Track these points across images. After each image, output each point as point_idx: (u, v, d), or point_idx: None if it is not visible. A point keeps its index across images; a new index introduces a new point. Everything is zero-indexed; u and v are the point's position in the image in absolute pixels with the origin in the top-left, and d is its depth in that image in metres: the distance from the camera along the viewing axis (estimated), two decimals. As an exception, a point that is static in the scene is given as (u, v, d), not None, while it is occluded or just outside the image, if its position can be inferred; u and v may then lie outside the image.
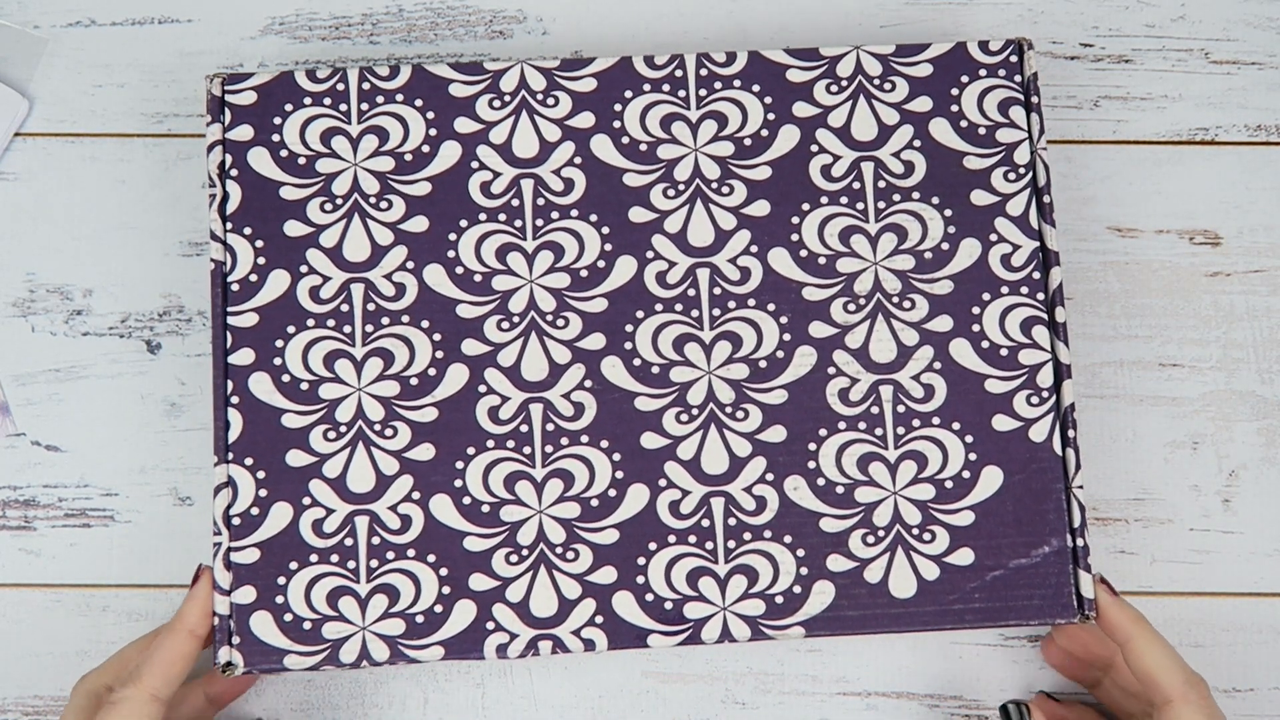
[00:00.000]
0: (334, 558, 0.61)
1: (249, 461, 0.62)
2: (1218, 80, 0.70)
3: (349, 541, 0.61)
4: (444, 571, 0.61)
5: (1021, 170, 0.64)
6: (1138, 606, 0.66)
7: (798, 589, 0.61)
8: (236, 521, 0.61)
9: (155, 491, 0.66)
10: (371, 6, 0.70)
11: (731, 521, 0.62)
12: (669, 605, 0.61)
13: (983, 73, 0.65)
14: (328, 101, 0.65)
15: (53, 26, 0.70)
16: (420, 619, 0.61)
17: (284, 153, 0.64)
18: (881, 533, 0.62)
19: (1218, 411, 0.68)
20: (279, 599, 0.61)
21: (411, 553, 0.61)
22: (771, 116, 0.65)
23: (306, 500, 0.61)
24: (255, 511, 0.61)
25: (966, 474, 0.62)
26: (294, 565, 0.61)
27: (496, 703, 0.66)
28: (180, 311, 0.68)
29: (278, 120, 0.64)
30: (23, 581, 0.66)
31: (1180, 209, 0.69)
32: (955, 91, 0.65)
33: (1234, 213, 0.69)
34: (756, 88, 0.65)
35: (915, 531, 0.62)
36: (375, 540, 0.61)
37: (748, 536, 0.62)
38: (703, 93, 0.65)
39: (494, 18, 0.70)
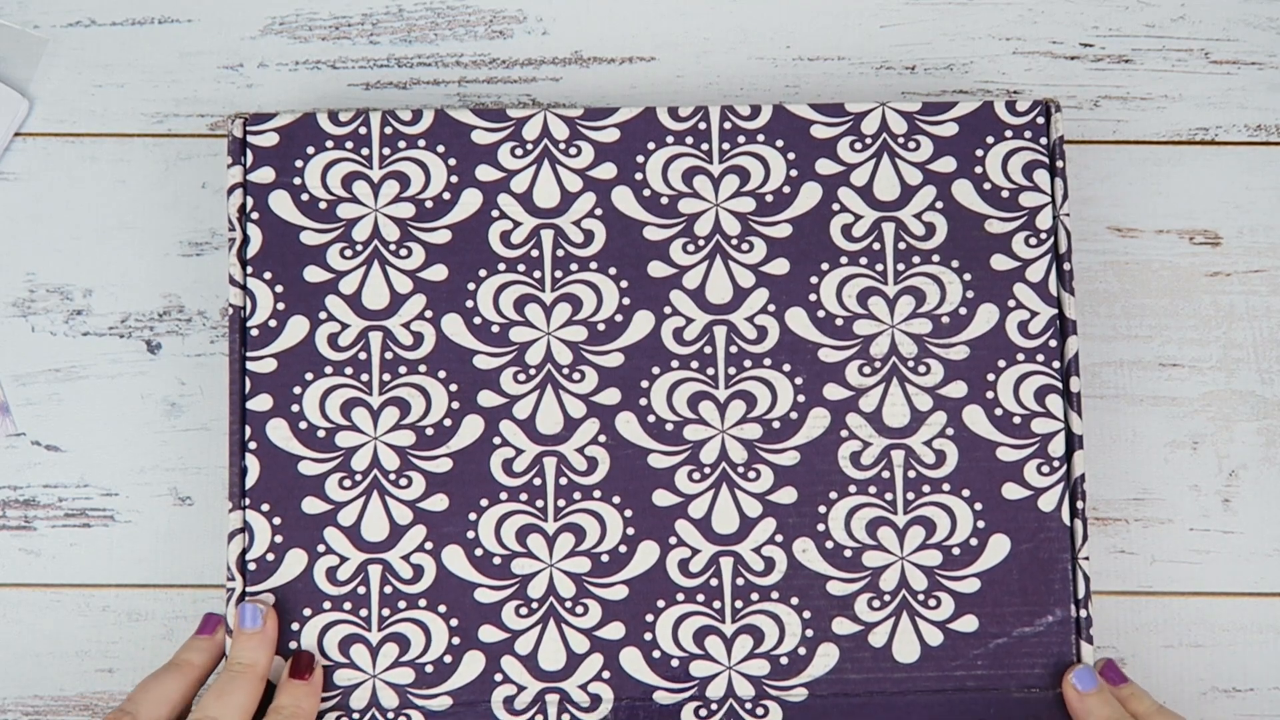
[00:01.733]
0: (346, 605, 0.61)
1: (265, 507, 0.62)
2: (1218, 80, 0.70)
3: (361, 590, 0.62)
4: (454, 622, 0.61)
5: (1043, 236, 0.64)
6: (1138, 606, 0.66)
7: (803, 650, 0.62)
8: (252, 567, 0.61)
9: (155, 491, 0.66)
10: (371, 6, 0.70)
11: (740, 581, 0.62)
12: (675, 663, 0.61)
13: (1009, 134, 0.65)
14: (349, 145, 0.64)
15: (53, 26, 0.70)
16: (430, 669, 0.61)
17: (305, 196, 0.64)
18: (887, 597, 0.62)
19: (1218, 411, 0.68)
20: (292, 645, 0.61)
21: (423, 602, 0.62)
22: (794, 173, 0.64)
23: (321, 548, 0.62)
24: (270, 557, 0.62)
25: (974, 541, 0.62)
26: (307, 612, 0.61)
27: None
28: (180, 311, 0.68)
29: (299, 163, 0.64)
30: (23, 581, 0.66)
31: (1180, 209, 0.69)
32: (980, 153, 0.64)
33: (1234, 213, 0.69)
34: (780, 143, 0.64)
35: (921, 597, 0.62)
36: (387, 589, 0.62)
37: (755, 597, 0.62)
38: (725, 146, 0.64)
39: (494, 18, 0.70)
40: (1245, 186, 0.69)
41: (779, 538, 0.62)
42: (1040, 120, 0.65)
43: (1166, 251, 0.69)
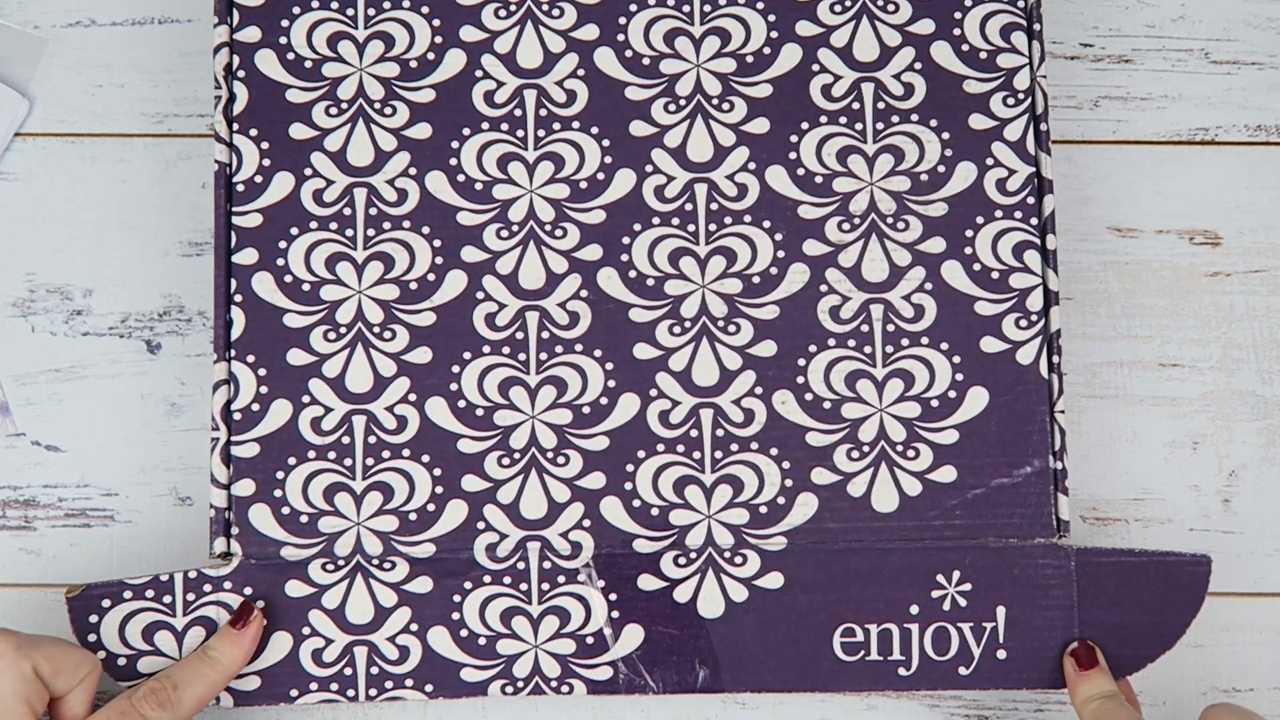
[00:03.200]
0: (331, 455, 0.62)
1: (250, 359, 0.63)
2: (1218, 80, 0.70)
3: (346, 440, 0.62)
4: (437, 472, 0.62)
5: (1021, 96, 0.65)
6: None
7: (782, 500, 0.63)
8: (237, 417, 0.62)
9: (155, 491, 0.66)
10: (371, 6, 0.70)
11: (719, 432, 0.63)
12: (655, 511, 0.62)
13: None
14: (335, 5, 0.65)
15: (53, 26, 0.70)
16: (413, 516, 0.62)
17: (290, 55, 0.65)
18: (866, 448, 0.63)
19: (1218, 411, 0.68)
20: (277, 493, 0.62)
21: (406, 453, 0.62)
22: (774, 34, 0.65)
23: (306, 398, 0.63)
24: (256, 408, 0.62)
25: (953, 394, 0.63)
26: (292, 461, 0.62)
27: (497, 709, 0.66)
28: (180, 311, 0.68)
29: (285, 23, 0.65)
30: (23, 581, 0.66)
31: (1180, 209, 0.69)
32: (958, 15, 0.66)
33: (1234, 213, 0.69)
34: (760, 5, 0.66)
35: (899, 448, 0.63)
36: (371, 439, 0.62)
37: (735, 448, 0.63)
38: (707, 8, 0.65)
39: (494, 18, 0.70)
40: (1245, 186, 0.69)
41: (758, 390, 0.63)
42: None
43: (1166, 251, 0.69)
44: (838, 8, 0.66)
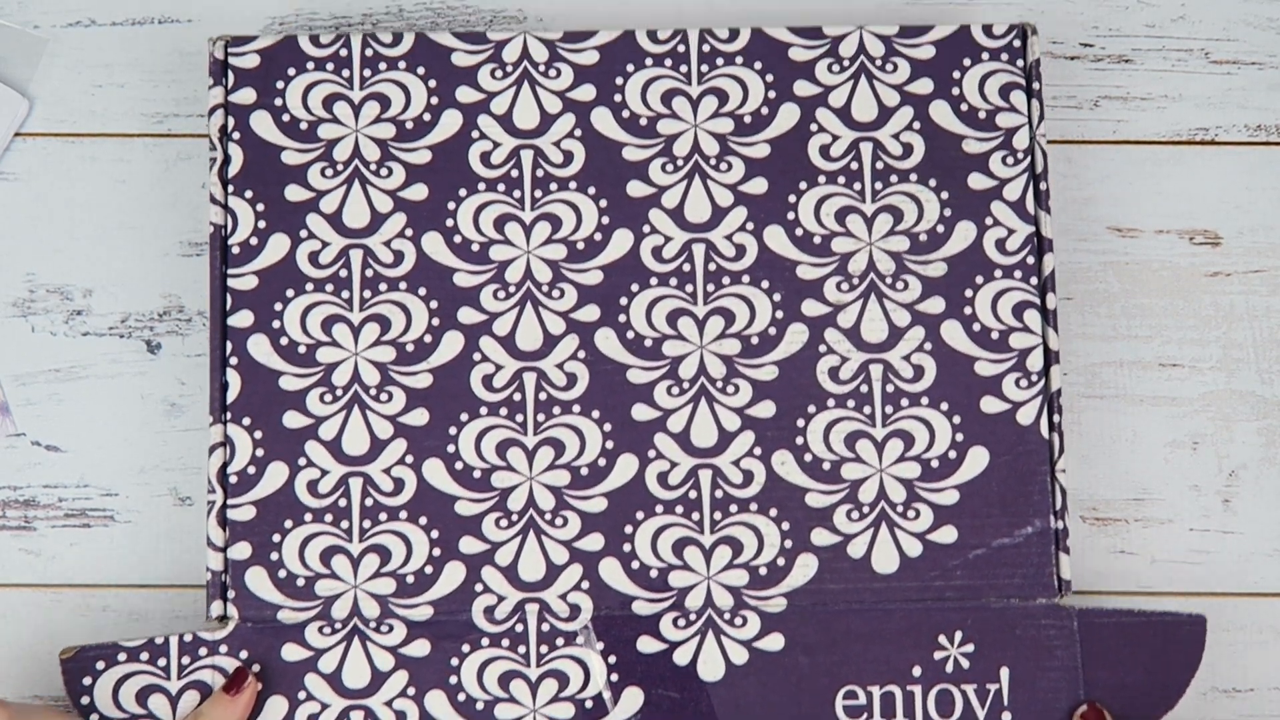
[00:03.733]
0: (328, 517, 0.62)
1: (246, 421, 0.62)
2: (1218, 80, 0.70)
3: (343, 502, 0.62)
4: (435, 534, 0.62)
5: (1020, 155, 0.65)
6: (1138, 606, 0.66)
7: (781, 561, 0.62)
8: (233, 480, 0.62)
9: (155, 491, 0.66)
10: (371, 6, 0.70)
11: (718, 493, 0.62)
12: (654, 573, 0.62)
13: (985, 56, 0.66)
14: (330, 67, 0.65)
15: (53, 26, 0.70)
16: (410, 579, 0.62)
17: (286, 117, 0.65)
18: (866, 509, 0.62)
19: (1218, 411, 0.68)
20: (274, 555, 0.62)
21: (404, 515, 0.62)
22: (772, 94, 0.65)
23: (302, 461, 0.62)
24: (252, 470, 0.62)
25: (953, 454, 0.63)
26: (289, 524, 0.62)
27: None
28: (180, 311, 0.68)
29: (280, 84, 0.65)
30: (23, 581, 0.66)
31: (1180, 209, 0.69)
32: (957, 74, 0.65)
33: (1234, 213, 0.69)
34: (758, 65, 0.65)
35: (900, 508, 0.63)
36: (368, 502, 0.62)
37: (734, 509, 0.62)
38: (704, 69, 0.65)
39: (494, 18, 0.70)
40: (1245, 186, 0.69)
41: (757, 450, 0.63)
42: (1017, 43, 0.66)
43: (1166, 251, 0.69)
44: (835, 67, 0.65)
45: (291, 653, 0.61)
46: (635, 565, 0.62)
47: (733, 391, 0.63)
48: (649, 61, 0.65)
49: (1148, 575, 0.67)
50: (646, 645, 0.62)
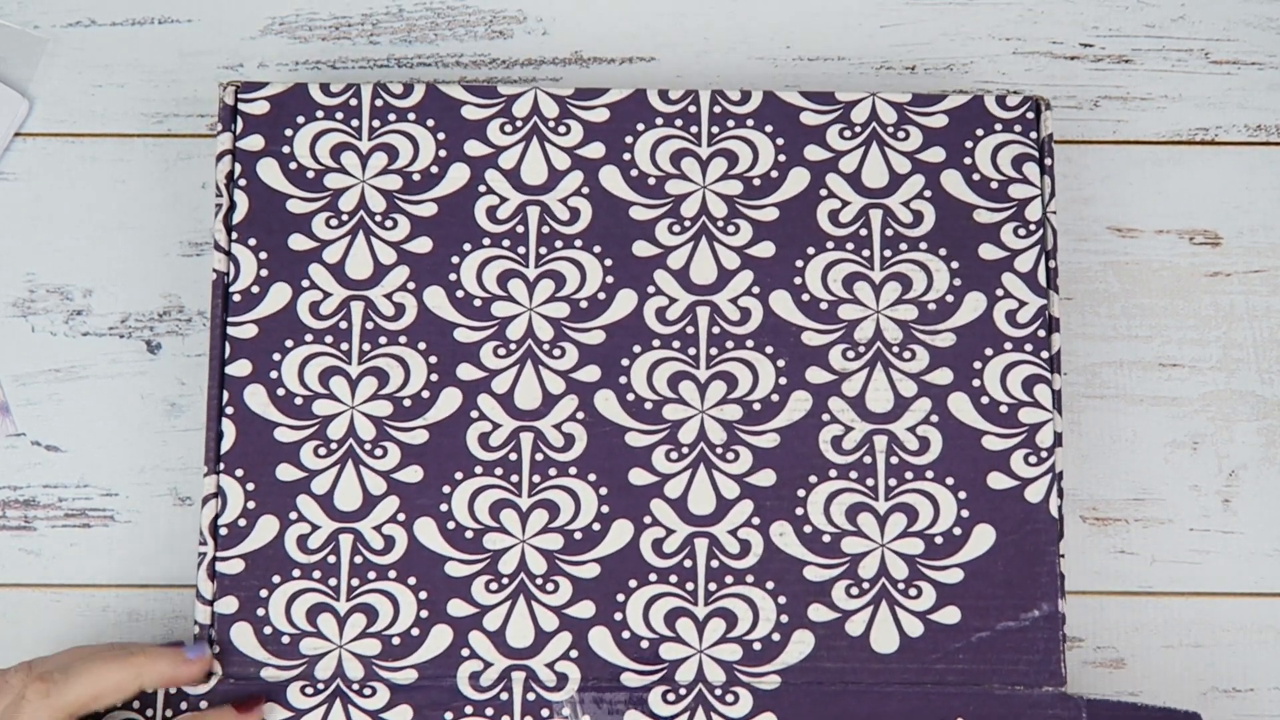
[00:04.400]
0: (316, 574, 0.61)
1: (239, 473, 0.62)
2: (1218, 80, 0.70)
3: (332, 559, 0.61)
4: (423, 595, 0.61)
5: (1032, 227, 0.64)
6: (1138, 606, 0.66)
7: (777, 636, 0.61)
8: (224, 532, 0.61)
9: (155, 491, 0.66)
10: (371, 6, 0.70)
11: (714, 564, 0.61)
12: (645, 644, 0.61)
13: (998, 127, 0.65)
14: (340, 116, 0.64)
15: (53, 26, 0.70)
16: (396, 640, 0.61)
17: (293, 165, 0.64)
18: (866, 585, 0.61)
19: (1218, 411, 0.68)
20: (260, 611, 0.61)
21: (393, 574, 0.61)
22: (782, 158, 0.64)
23: (293, 515, 0.62)
24: (243, 523, 0.62)
25: (958, 531, 0.62)
26: (277, 579, 0.61)
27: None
28: (180, 311, 0.68)
29: (289, 132, 0.64)
30: (23, 581, 0.66)
31: (1180, 209, 0.69)
32: (969, 144, 0.64)
33: (1234, 213, 0.69)
34: (769, 128, 0.64)
35: (901, 586, 0.61)
36: (358, 559, 0.61)
37: (729, 580, 0.61)
38: (715, 130, 0.64)
39: (494, 18, 0.70)
40: (1245, 186, 0.69)
41: (756, 520, 0.61)
42: (1030, 115, 0.65)
43: (1166, 251, 0.69)
44: (847, 133, 0.64)
45: (274, 713, 0.61)
46: (626, 635, 0.61)
47: (733, 458, 0.62)
48: (659, 121, 0.64)
49: (1148, 575, 0.67)
50: None
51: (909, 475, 0.62)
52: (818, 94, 0.65)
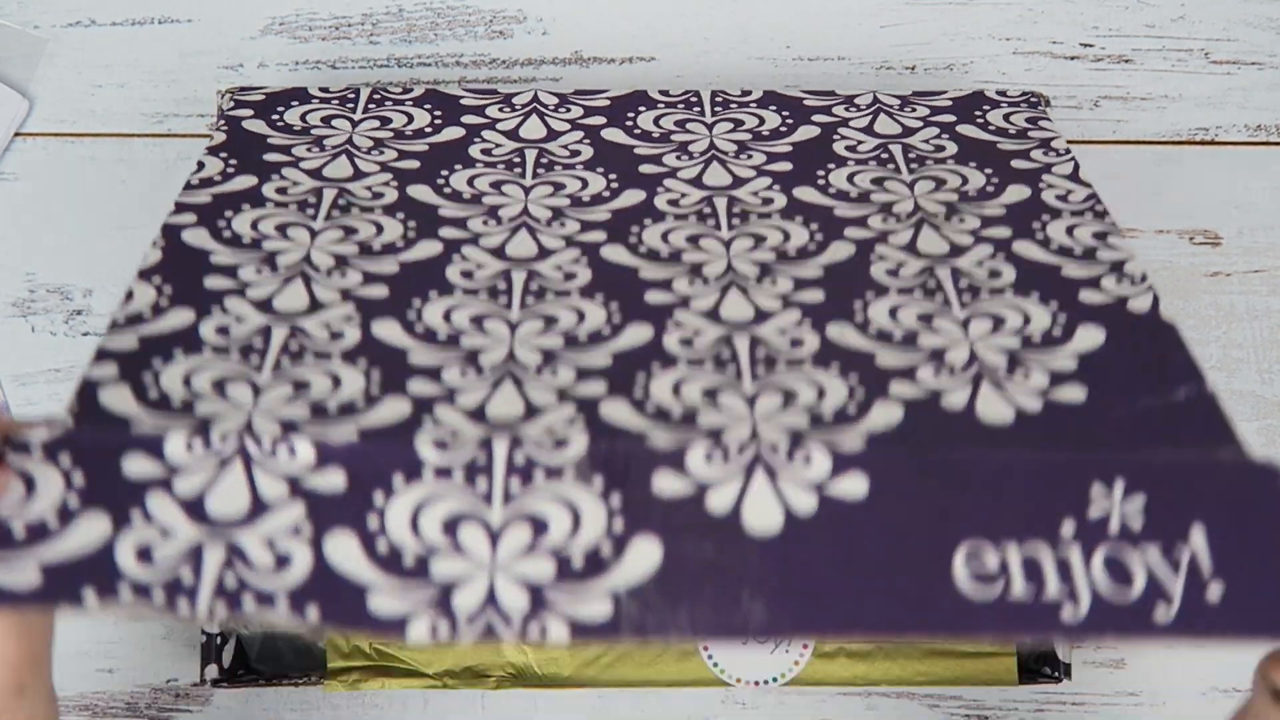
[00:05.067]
0: (234, 355, 0.48)
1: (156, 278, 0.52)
2: (1218, 80, 0.70)
3: (259, 342, 0.49)
4: (376, 375, 0.47)
5: (1061, 151, 0.61)
6: (1138, 606, 0.66)
7: (852, 409, 0.46)
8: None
9: (155, 491, 0.66)
10: (371, 6, 0.70)
11: (760, 351, 0.49)
12: (676, 412, 0.46)
13: (1005, 105, 0.64)
14: (335, 103, 0.64)
15: (53, 26, 0.70)
16: (334, 407, 0.46)
17: (280, 123, 0.62)
18: (958, 369, 0.48)
19: (1218, 411, 0.68)
20: (147, 376, 0.46)
21: (338, 360, 0.48)
22: (790, 122, 0.63)
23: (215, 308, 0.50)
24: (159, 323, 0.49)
25: (1058, 331, 0.50)
26: (179, 353, 0.48)
27: (496, 702, 0.65)
28: (180, 311, 0.68)
29: (280, 108, 0.63)
30: (23, 581, 0.66)
31: (1180, 209, 0.69)
32: (978, 114, 0.64)
33: (1234, 213, 0.69)
34: (773, 107, 0.64)
35: (1005, 369, 0.48)
36: (294, 345, 0.49)
37: (780, 367, 0.48)
38: (718, 110, 0.64)
39: (494, 18, 0.70)
40: (1245, 186, 0.69)
41: (807, 322, 0.51)
42: (1034, 101, 0.64)
43: (1166, 251, 0.69)
44: (852, 109, 0.64)
45: (136, 467, 0.43)
46: (650, 409, 0.46)
47: (770, 284, 0.52)
48: (661, 105, 0.64)
49: (1148, 575, 0.67)
50: (666, 483, 0.43)
51: (984, 294, 0.52)
52: (818, 91, 0.65)
